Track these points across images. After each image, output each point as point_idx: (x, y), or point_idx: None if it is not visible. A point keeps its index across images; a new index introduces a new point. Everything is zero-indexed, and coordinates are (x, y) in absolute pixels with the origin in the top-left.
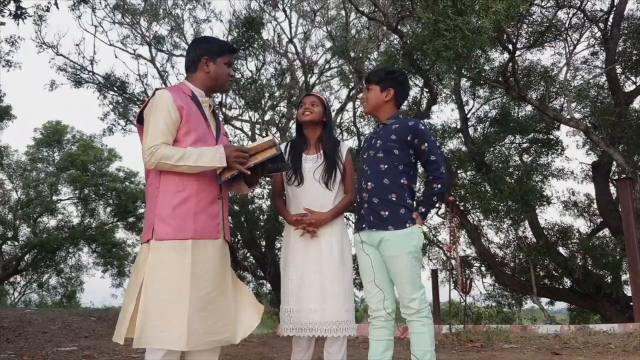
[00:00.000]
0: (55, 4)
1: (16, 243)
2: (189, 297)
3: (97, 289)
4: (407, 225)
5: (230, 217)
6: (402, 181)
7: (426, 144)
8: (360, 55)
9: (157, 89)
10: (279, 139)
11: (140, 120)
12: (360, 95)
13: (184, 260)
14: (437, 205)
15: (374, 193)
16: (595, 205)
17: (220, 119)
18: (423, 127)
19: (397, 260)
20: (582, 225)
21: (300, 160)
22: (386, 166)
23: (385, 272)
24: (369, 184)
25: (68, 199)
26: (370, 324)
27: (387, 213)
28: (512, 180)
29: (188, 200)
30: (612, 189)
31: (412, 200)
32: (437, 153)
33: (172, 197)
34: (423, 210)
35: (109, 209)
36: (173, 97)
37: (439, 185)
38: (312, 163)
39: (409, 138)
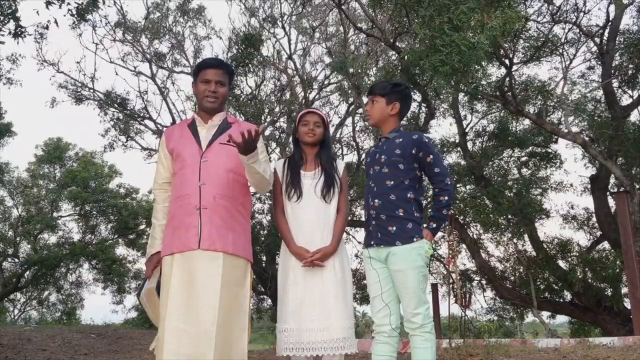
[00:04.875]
0: (55, 22)
1: (16, 260)
2: (169, 311)
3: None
4: (415, 239)
5: None
6: (408, 195)
7: (431, 156)
8: (359, 71)
9: None
10: (279, 154)
11: None
12: (366, 107)
13: (167, 274)
14: (447, 218)
15: (381, 210)
16: (594, 218)
17: (229, 130)
18: (427, 140)
19: (404, 275)
20: (581, 238)
21: (299, 176)
22: (392, 182)
23: (392, 288)
24: (376, 200)
25: (69, 215)
26: (373, 339)
27: (394, 228)
28: (511, 194)
29: (172, 218)
30: (611, 202)
31: (420, 213)
32: (442, 165)
33: (168, 219)
34: (435, 225)
35: (109, 226)
36: (166, 135)
37: (446, 197)
38: (310, 179)
39: (413, 151)
